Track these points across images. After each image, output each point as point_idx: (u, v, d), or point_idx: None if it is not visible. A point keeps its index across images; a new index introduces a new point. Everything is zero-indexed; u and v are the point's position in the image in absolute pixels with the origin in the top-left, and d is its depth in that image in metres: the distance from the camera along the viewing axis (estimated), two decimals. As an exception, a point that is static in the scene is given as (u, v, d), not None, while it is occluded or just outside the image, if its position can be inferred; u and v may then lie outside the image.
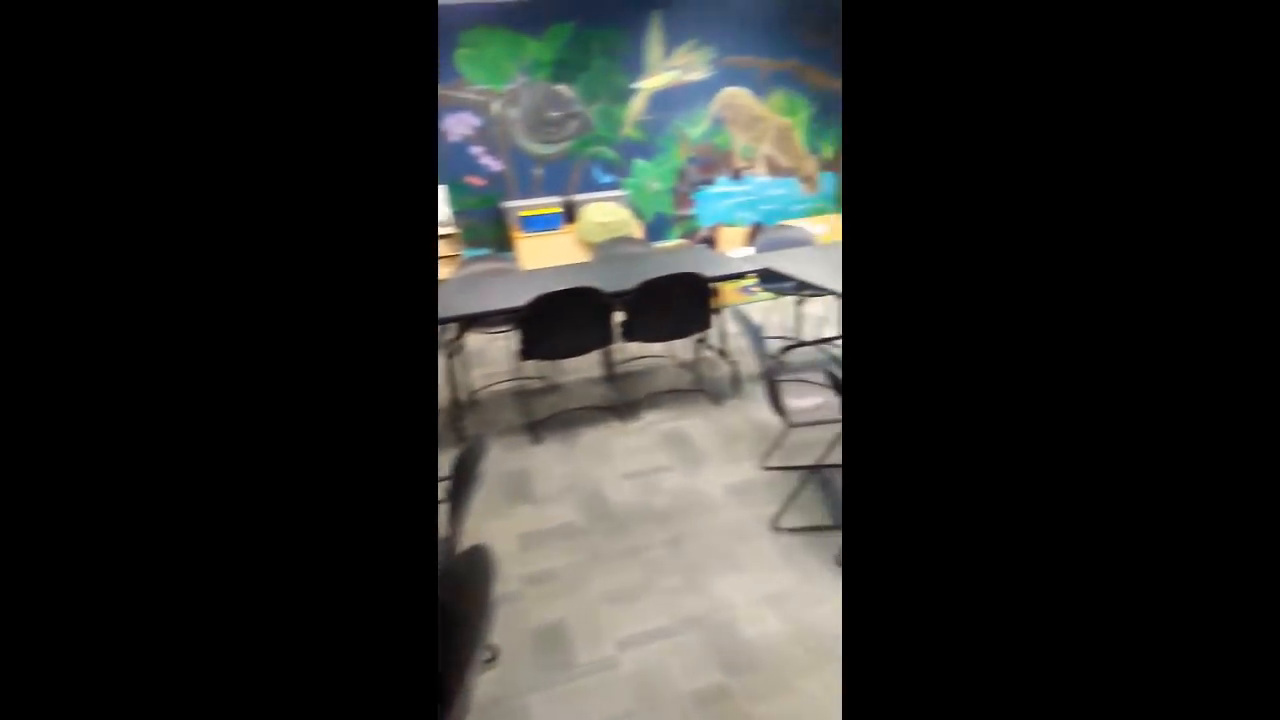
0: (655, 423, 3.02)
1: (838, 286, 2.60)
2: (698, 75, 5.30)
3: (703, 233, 5.70)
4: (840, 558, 1.98)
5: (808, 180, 5.87)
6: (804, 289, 3.46)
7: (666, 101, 5.29)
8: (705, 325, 3.08)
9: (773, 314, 4.41)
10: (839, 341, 3.78)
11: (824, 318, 4.22)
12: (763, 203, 5.83)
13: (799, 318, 3.89)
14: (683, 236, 5.65)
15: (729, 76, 5.37)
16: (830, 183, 5.96)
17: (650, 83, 5.20)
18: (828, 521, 2.17)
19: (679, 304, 2.97)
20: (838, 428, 1.93)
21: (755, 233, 5.21)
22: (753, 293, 4.80)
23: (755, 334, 2.21)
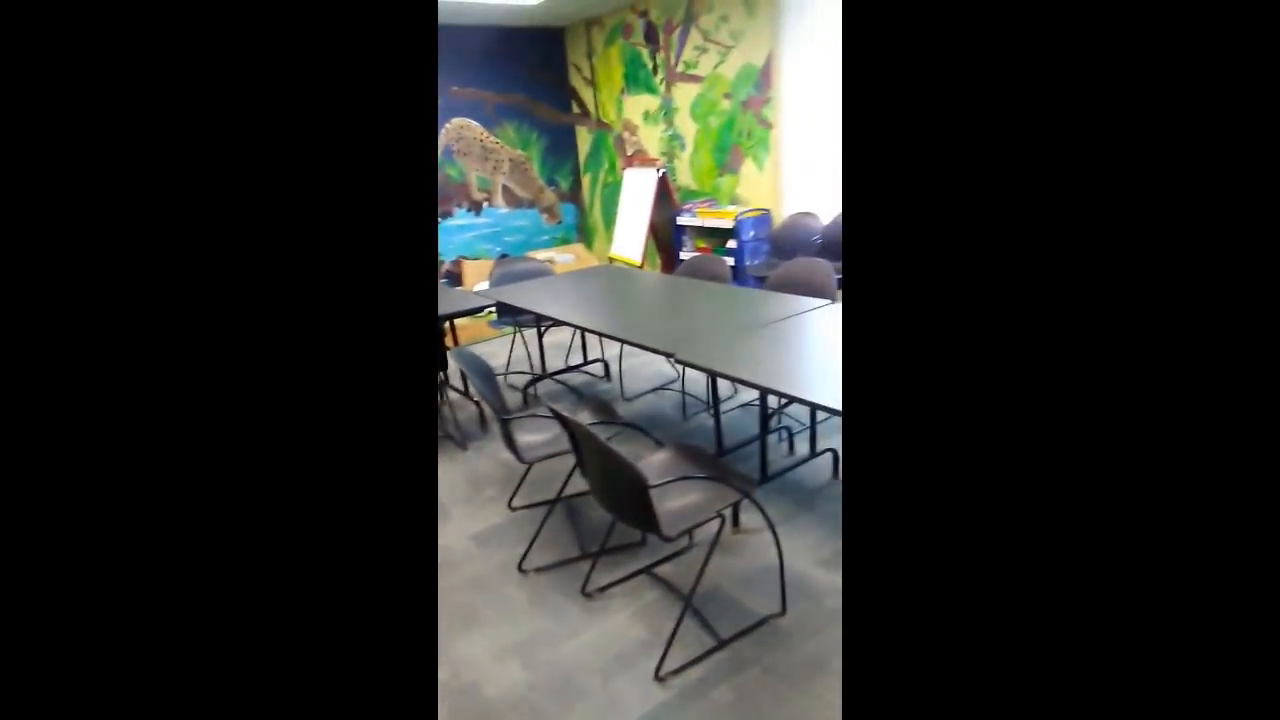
0: (394, 477, 2.78)
1: (573, 318, 2.64)
2: (422, 106, 5.13)
3: (446, 266, 5.51)
4: (585, 587, 1.98)
5: (549, 211, 6.01)
6: (542, 321, 3.49)
7: (391, 132, 5.02)
8: (439, 366, 2.93)
9: (519, 347, 4.39)
10: (587, 368, 3.88)
11: (568, 347, 4.31)
12: (507, 234, 5.82)
13: (543, 349, 3.92)
14: (424, 272, 5.39)
15: (455, 108, 5.29)
16: (571, 214, 6.17)
17: (370, 112, 4.89)
18: (574, 552, 2.17)
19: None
20: (573, 458, 1.93)
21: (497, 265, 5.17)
22: (500, 327, 4.74)
23: (481, 373, 2.14)
